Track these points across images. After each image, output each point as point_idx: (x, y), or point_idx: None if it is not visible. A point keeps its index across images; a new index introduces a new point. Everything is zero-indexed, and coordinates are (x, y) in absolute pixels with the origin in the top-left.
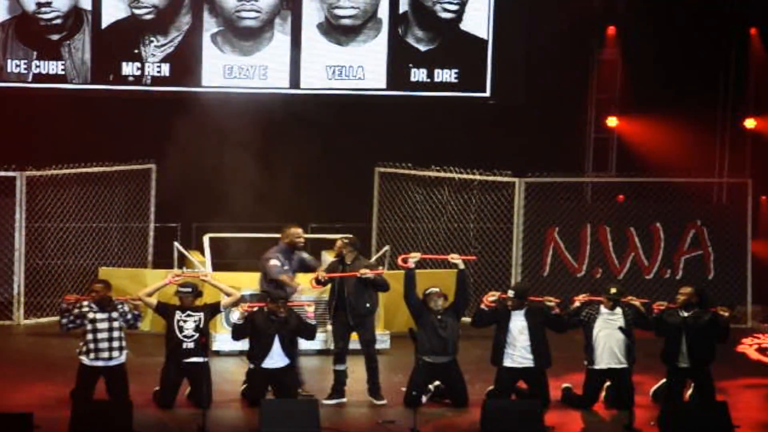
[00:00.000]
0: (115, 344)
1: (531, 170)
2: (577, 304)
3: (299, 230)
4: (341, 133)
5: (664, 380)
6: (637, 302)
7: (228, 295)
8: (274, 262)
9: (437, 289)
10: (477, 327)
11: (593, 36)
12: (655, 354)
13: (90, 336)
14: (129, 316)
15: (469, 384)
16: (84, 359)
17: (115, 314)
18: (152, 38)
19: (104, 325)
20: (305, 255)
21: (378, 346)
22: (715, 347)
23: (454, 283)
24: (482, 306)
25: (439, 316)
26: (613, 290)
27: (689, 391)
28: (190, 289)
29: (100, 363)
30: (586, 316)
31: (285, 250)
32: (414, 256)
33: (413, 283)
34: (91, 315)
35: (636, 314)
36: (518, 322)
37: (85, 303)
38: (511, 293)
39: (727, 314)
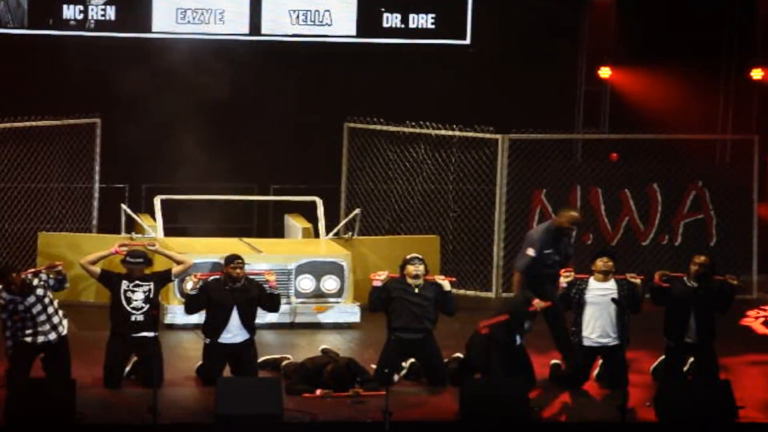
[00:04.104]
0: (55, 319)
1: (515, 126)
2: (563, 284)
3: (575, 215)
4: (306, 85)
5: (663, 356)
6: (636, 279)
7: (179, 262)
8: (530, 251)
9: (420, 256)
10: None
11: None
12: (652, 328)
13: (29, 323)
14: (52, 282)
15: (447, 360)
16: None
17: (39, 291)
18: None
19: (38, 308)
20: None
21: (348, 319)
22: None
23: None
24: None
25: (416, 290)
26: (604, 262)
27: (686, 368)
28: (141, 260)
29: (41, 338)
30: (576, 294)
31: (553, 232)
32: (381, 274)
33: (378, 303)
34: (21, 307)
35: (631, 293)
36: None
37: (4, 295)
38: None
39: (735, 282)
